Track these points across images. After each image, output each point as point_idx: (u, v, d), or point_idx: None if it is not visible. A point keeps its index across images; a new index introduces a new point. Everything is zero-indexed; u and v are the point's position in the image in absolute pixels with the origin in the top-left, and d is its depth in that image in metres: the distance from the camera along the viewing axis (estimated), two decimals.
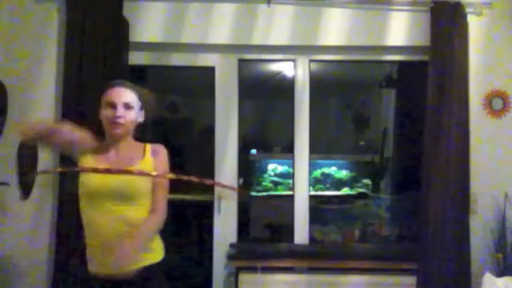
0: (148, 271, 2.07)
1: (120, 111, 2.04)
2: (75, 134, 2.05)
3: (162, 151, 2.16)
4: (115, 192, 2.03)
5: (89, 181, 2.05)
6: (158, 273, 2.12)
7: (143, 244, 2.02)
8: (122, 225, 2.02)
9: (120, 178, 2.02)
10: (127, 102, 2.06)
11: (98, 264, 2.06)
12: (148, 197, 2.09)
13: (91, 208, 2.06)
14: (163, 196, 2.12)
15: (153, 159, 2.12)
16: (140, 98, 2.13)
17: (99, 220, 2.03)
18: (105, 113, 2.06)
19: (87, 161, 2.09)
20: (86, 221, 2.09)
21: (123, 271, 1.99)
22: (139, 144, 2.17)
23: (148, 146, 2.16)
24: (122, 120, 2.04)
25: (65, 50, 3.31)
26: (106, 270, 2.02)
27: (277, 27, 3.50)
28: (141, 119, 2.15)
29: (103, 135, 2.16)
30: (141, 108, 2.15)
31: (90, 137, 2.10)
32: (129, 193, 2.04)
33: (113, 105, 2.04)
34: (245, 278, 3.38)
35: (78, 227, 3.15)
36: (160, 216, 2.10)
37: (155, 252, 2.13)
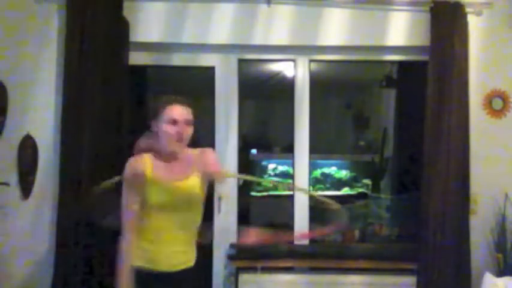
0: (189, 271, 2.31)
1: (182, 128, 2.24)
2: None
3: (208, 151, 2.38)
4: (181, 203, 2.26)
5: (160, 194, 2.25)
6: (195, 274, 2.35)
7: None
8: (184, 229, 2.29)
9: (185, 191, 2.26)
10: (188, 119, 2.26)
11: (153, 261, 2.26)
12: (203, 201, 2.33)
13: (158, 216, 2.26)
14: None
15: (200, 160, 2.32)
16: (194, 114, 2.32)
17: (165, 226, 2.26)
18: (167, 128, 2.24)
19: (150, 176, 2.24)
20: (150, 226, 2.27)
21: (174, 269, 2.25)
22: (192, 151, 2.36)
23: (196, 152, 2.36)
24: (184, 137, 2.25)
25: (65, 50, 3.31)
26: (159, 267, 2.25)
27: (277, 27, 3.50)
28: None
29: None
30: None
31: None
32: (191, 203, 2.29)
33: (175, 122, 2.23)
34: (245, 278, 3.38)
35: (78, 227, 3.19)
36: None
37: (194, 255, 2.36)
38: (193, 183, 2.27)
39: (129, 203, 2.22)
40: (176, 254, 2.27)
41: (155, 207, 2.24)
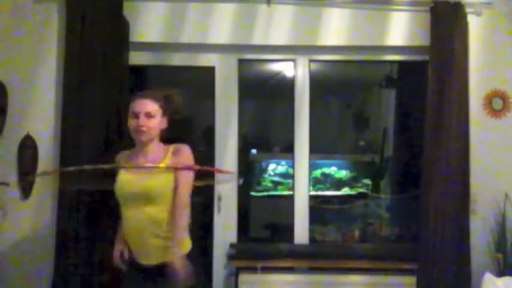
0: (166, 268, 2.27)
1: (143, 120, 2.29)
2: None
3: (183, 149, 2.38)
4: (139, 195, 2.30)
5: (120, 185, 2.36)
6: (186, 264, 2.30)
7: (182, 240, 2.32)
8: (148, 223, 2.31)
9: (143, 183, 2.30)
10: (148, 112, 2.30)
11: (135, 254, 2.40)
12: (169, 197, 2.32)
13: (124, 209, 2.37)
14: (187, 192, 2.33)
15: (173, 157, 2.34)
16: (162, 106, 2.35)
17: (129, 219, 2.34)
18: (130, 122, 2.33)
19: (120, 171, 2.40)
20: (122, 220, 2.42)
21: (150, 262, 2.34)
22: (165, 147, 2.39)
23: (172, 147, 2.37)
24: (144, 129, 2.29)
25: (65, 50, 3.31)
26: (142, 260, 2.36)
27: (277, 27, 3.50)
28: (164, 124, 2.39)
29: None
30: (164, 115, 2.38)
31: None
32: (151, 195, 2.30)
33: (136, 115, 2.30)
34: (245, 278, 3.37)
35: (78, 226, 3.19)
36: (186, 210, 2.33)
37: (184, 245, 2.36)
38: (156, 179, 2.29)
39: None
40: (147, 246, 2.32)
41: (119, 199, 2.37)
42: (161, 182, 2.30)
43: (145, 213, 2.30)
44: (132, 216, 2.32)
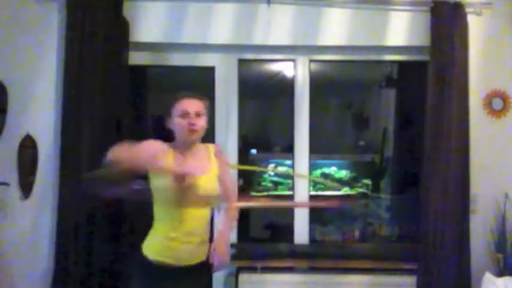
0: (204, 264, 2.34)
1: (194, 119, 2.28)
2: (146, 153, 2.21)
3: (221, 151, 2.47)
4: (204, 197, 2.30)
5: (162, 185, 2.25)
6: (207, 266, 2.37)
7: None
8: (204, 223, 2.34)
9: (208, 185, 2.29)
10: (198, 111, 2.30)
11: (171, 256, 2.28)
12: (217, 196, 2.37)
13: (178, 210, 2.27)
14: (233, 187, 2.45)
15: (216, 160, 2.39)
16: (206, 106, 2.37)
17: (187, 220, 2.28)
18: (178, 121, 2.28)
19: (170, 165, 2.25)
20: (167, 219, 2.30)
21: (190, 263, 2.29)
22: (204, 146, 2.41)
23: (211, 148, 2.42)
24: (196, 127, 2.28)
25: (65, 49, 3.31)
26: (177, 262, 2.27)
27: (277, 27, 3.50)
28: (207, 125, 2.38)
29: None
30: (207, 114, 2.39)
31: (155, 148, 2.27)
32: (213, 197, 2.34)
33: (186, 114, 2.28)
34: (245, 278, 3.38)
35: (78, 227, 3.19)
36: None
37: (207, 250, 2.37)
38: (212, 177, 2.32)
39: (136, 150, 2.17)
40: (194, 247, 2.30)
41: (170, 200, 2.26)
42: (217, 185, 2.35)
43: (203, 214, 2.32)
44: (190, 218, 2.28)
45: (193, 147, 2.33)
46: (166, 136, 2.34)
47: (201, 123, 2.30)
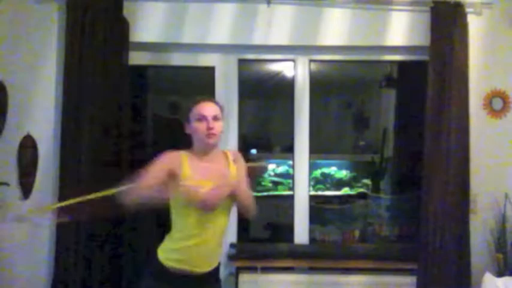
0: (217, 270, 2.39)
1: (213, 123, 2.28)
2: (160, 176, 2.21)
3: (240, 156, 2.46)
4: (224, 204, 2.29)
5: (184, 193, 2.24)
6: (218, 273, 2.43)
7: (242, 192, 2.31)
8: (222, 230, 2.35)
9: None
10: (215, 115, 2.31)
11: (187, 263, 2.28)
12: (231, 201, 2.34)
13: (199, 218, 2.25)
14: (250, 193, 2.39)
15: (236, 165, 2.40)
16: (222, 110, 2.38)
17: (209, 228, 2.28)
18: (196, 126, 2.29)
19: (187, 174, 2.25)
20: (188, 227, 2.28)
21: (205, 269, 2.30)
22: (221, 151, 2.42)
23: (229, 154, 2.43)
24: (214, 131, 2.29)
25: (65, 50, 3.31)
26: (192, 268, 2.27)
27: (277, 27, 3.50)
28: (223, 129, 2.39)
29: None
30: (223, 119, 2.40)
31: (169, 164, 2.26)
32: (231, 204, 2.34)
33: (204, 118, 2.28)
34: (245, 278, 3.37)
35: (78, 227, 3.19)
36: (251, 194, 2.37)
37: (220, 256, 2.44)
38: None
39: (151, 176, 2.17)
40: (211, 254, 2.31)
41: (181, 212, 2.26)
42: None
43: (222, 221, 2.32)
44: (212, 225, 2.28)
45: (210, 152, 2.33)
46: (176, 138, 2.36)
47: (219, 127, 2.31)
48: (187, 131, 2.34)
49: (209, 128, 2.27)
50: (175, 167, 2.24)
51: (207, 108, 2.30)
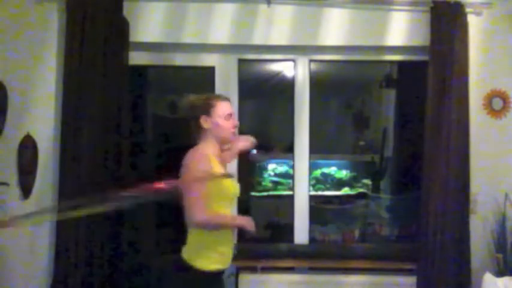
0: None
1: (236, 120, 2.46)
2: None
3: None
4: (236, 197, 2.53)
5: (230, 187, 2.42)
6: None
7: None
8: None
9: (237, 185, 2.49)
10: (233, 113, 2.47)
11: (226, 261, 2.38)
12: None
13: (224, 211, 2.38)
14: None
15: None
16: None
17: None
18: (224, 123, 2.38)
19: (218, 171, 2.35)
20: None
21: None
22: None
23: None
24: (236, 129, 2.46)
25: (65, 50, 3.31)
26: (226, 265, 2.39)
27: (277, 27, 3.50)
28: None
29: None
30: None
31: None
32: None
33: (229, 116, 2.40)
34: (245, 278, 3.38)
35: (78, 227, 3.19)
36: None
37: None
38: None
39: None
40: (232, 250, 2.44)
41: (223, 204, 2.36)
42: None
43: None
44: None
45: (229, 147, 2.51)
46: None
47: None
48: (206, 125, 2.36)
49: (235, 126, 2.41)
50: (212, 166, 2.31)
51: (230, 107, 2.43)
